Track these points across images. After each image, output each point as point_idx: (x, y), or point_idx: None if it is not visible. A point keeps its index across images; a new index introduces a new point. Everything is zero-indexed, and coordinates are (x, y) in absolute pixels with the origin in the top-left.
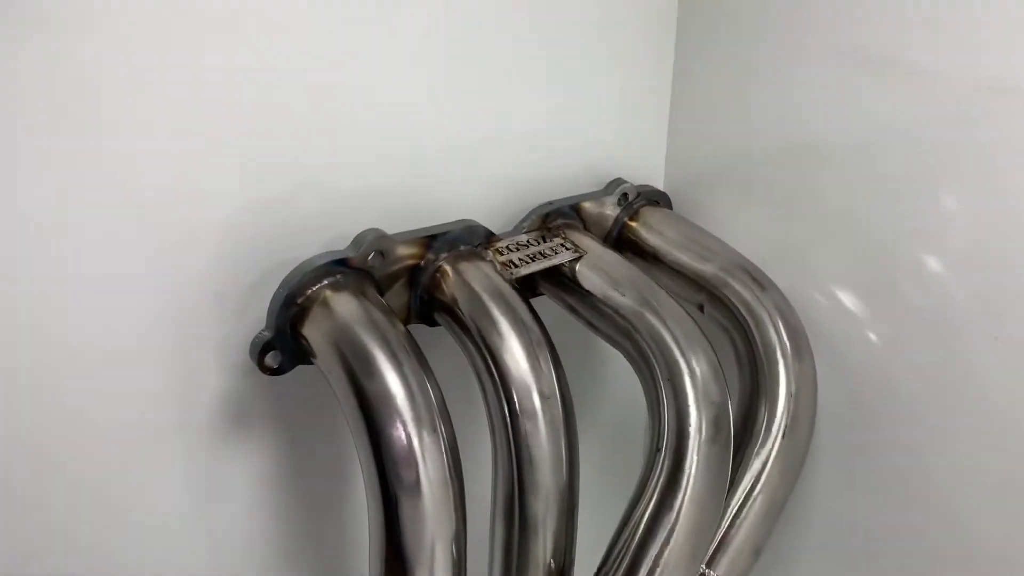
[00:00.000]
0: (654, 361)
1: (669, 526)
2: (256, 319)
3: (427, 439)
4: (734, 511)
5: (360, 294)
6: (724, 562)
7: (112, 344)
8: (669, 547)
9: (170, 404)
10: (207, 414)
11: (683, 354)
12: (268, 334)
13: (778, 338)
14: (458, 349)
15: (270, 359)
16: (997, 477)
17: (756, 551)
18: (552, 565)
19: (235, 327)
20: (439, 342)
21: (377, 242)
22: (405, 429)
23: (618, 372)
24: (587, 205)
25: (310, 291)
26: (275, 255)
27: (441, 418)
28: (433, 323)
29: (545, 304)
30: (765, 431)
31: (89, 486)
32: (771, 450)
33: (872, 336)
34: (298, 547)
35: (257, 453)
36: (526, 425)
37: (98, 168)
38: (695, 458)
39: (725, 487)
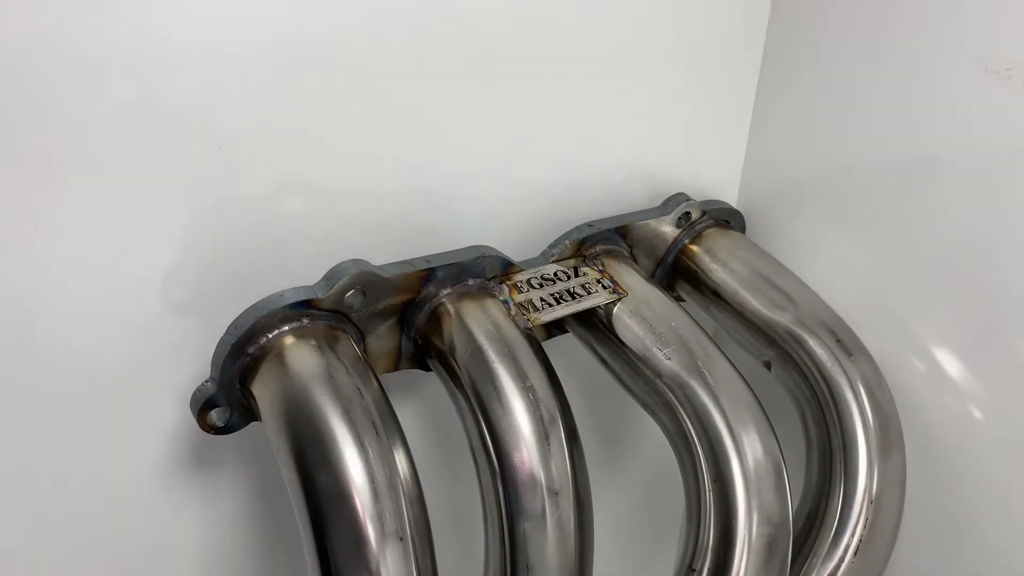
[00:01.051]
0: (699, 452)
1: None
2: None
3: (390, 553)
4: None
5: (326, 346)
6: None
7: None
8: None
9: (114, 444)
10: (157, 455)
11: (737, 448)
12: (212, 387)
13: (863, 422)
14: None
15: (215, 416)
16: None
17: None
18: None
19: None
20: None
21: (357, 278)
22: (363, 538)
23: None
24: (637, 226)
25: (264, 339)
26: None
27: (414, 523)
28: (426, 367)
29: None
30: (832, 544)
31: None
32: (838, 571)
33: (977, 414)
34: None
35: (214, 503)
36: (526, 527)
37: None
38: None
39: None
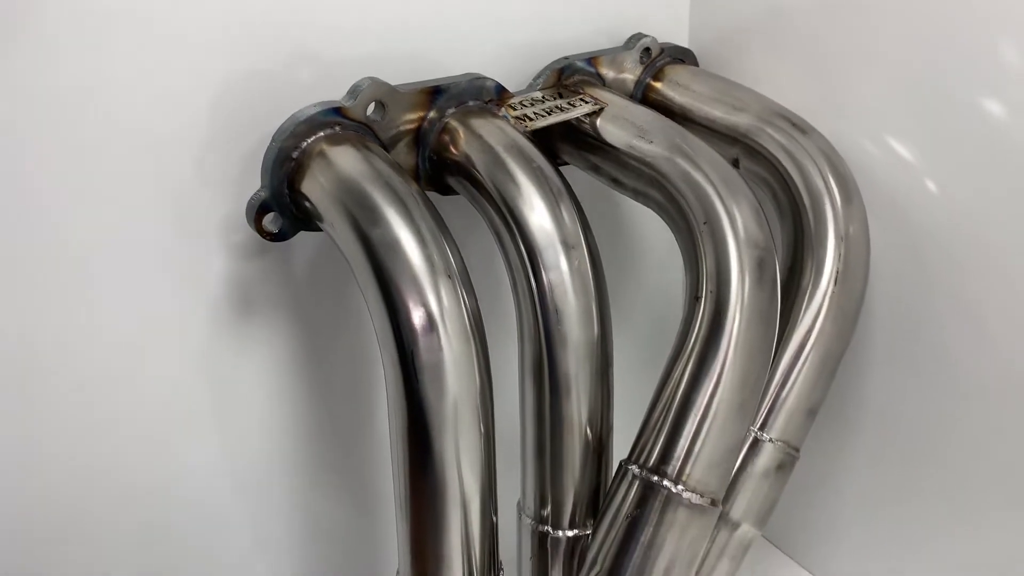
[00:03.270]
0: (688, 208)
1: (715, 376)
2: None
3: (443, 288)
4: (786, 370)
5: (361, 145)
6: (777, 424)
7: (106, 236)
8: (716, 399)
9: (173, 294)
10: (213, 302)
11: (720, 196)
12: (264, 194)
13: (824, 182)
14: (472, 228)
15: (269, 222)
16: None
17: (812, 412)
18: (589, 433)
19: (234, 206)
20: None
21: (374, 90)
22: (418, 276)
23: (651, 264)
24: (605, 62)
25: (305, 143)
26: (270, 127)
27: (458, 269)
28: (444, 190)
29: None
30: (815, 281)
31: (94, 387)
32: (823, 299)
33: (931, 185)
34: (316, 434)
35: (268, 339)
36: (551, 277)
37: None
38: (739, 302)
39: (773, 336)
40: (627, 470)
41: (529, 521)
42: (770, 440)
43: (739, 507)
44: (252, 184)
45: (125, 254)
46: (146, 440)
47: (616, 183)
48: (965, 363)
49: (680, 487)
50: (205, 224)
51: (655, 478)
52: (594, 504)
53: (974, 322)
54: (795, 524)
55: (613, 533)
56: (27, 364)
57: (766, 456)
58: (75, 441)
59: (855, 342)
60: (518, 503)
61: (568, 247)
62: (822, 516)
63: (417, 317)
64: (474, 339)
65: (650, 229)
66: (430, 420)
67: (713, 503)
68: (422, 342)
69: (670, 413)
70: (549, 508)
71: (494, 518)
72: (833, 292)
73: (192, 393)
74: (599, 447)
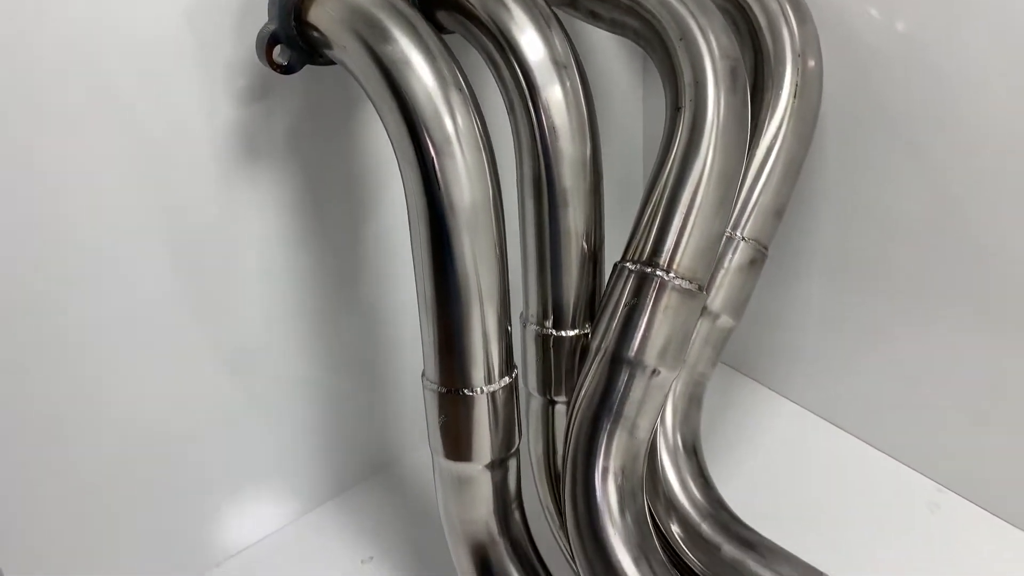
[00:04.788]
0: (664, 28)
1: (698, 173)
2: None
3: (455, 100)
4: (755, 174)
5: None
6: (750, 224)
7: (106, 79)
8: (699, 194)
9: (178, 139)
10: (218, 146)
11: (693, 15)
12: (272, 26)
13: (779, 5)
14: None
15: (278, 54)
16: (997, 161)
17: (779, 212)
18: (584, 243)
19: (235, 49)
20: None
21: None
22: (433, 89)
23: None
24: None
25: None
26: None
27: (464, 80)
28: (435, 27)
29: None
30: (776, 95)
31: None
32: (785, 110)
33: (874, 12)
34: (321, 276)
35: (274, 183)
36: (547, 95)
37: None
38: (716, 107)
39: (747, 137)
40: (622, 267)
41: (534, 327)
42: (743, 239)
43: (718, 300)
44: (255, 28)
45: (129, 101)
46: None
47: (593, 16)
48: (904, 171)
49: (672, 275)
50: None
51: (648, 269)
52: (591, 308)
53: (911, 138)
54: (757, 351)
55: (614, 322)
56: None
57: (741, 253)
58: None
59: (812, 151)
60: (521, 315)
61: (560, 67)
62: (781, 340)
63: (435, 127)
64: (485, 149)
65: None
66: (451, 223)
67: (700, 288)
68: (442, 149)
69: (659, 211)
70: (551, 313)
71: (508, 320)
72: (793, 104)
73: (196, 240)
74: (594, 255)
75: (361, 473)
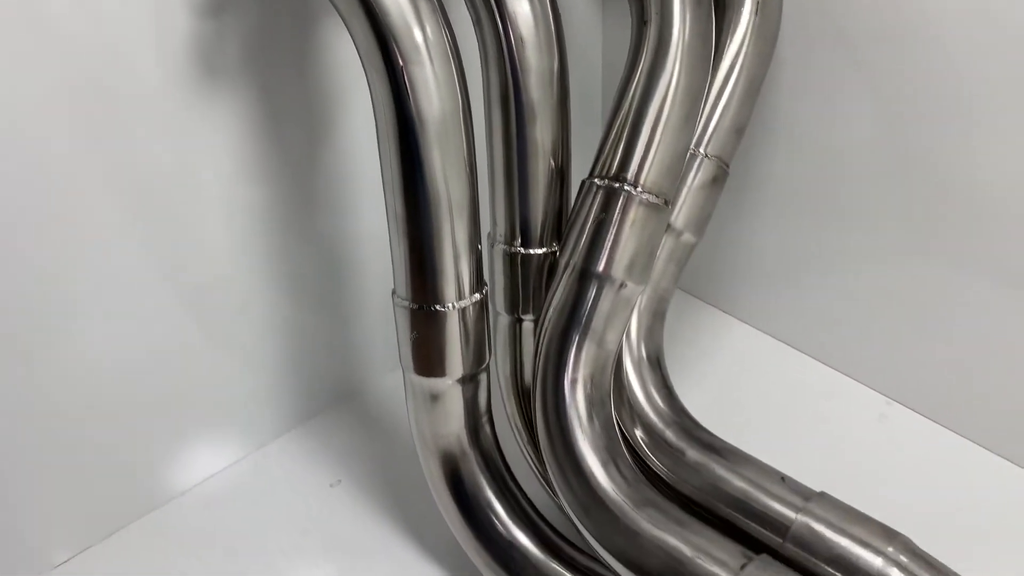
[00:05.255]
0: None
1: (664, 88)
2: None
3: (423, 5)
4: (718, 92)
5: None
6: (712, 141)
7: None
8: (666, 109)
9: (121, 64)
10: (168, 71)
11: None
12: None
13: None
14: None
15: None
16: (951, 86)
17: (740, 131)
18: (552, 159)
19: None
20: None
21: None
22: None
23: None
24: None
25: None
26: None
27: None
28: None
29: None
30: (737, 13)
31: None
32: (747, 28)
33: None
34: (281, 205)
35: (229, 110)
36: (512, 6)
37: None
38: (682, 21)
39: (711, 53)
40: (590, 183)
41: (502, 246)
42: (706, 156)
43: (681, 217)
44: None
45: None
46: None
47: None
48: (857, 94)
49: (639, 189)
50: None
51: (616, 184)
52: (558, 226)
53: (865, 60)
54: (713, 276)
55: (583, 237)
56: None
57: (704, 170)
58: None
59: (768, 74)
60: (488, 234)
61: None
62: (736, 266)
63: (404, 36)
64: (454, 60)
65: None
66: (420, 134)
67: (666, 203)
68: (411, 58)
69: (625, 127)
70: (519, 231)
71: (478, 236)
72: (755, 21)
73: (156, 162)
74: (561, 171)
75: (327, 400)
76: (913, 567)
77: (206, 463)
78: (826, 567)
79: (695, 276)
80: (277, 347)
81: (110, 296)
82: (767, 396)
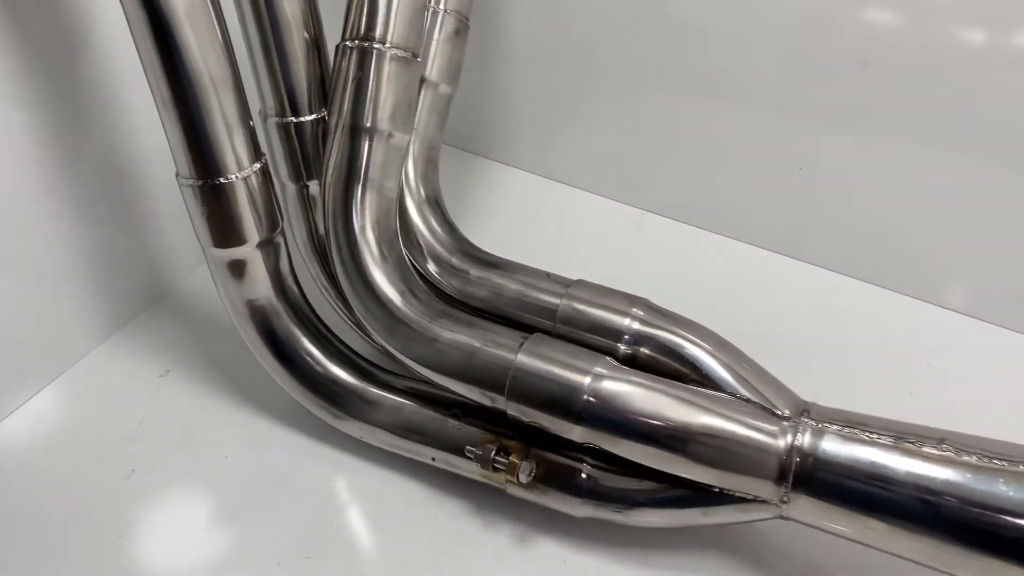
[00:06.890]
0: None
1: None
2: None
3: None
4: None
5: None
6: None
7: None
8: None
9: None
10: None
11: None
12: None
13: None
14: None
15: None
16: None
17: None
18: (306, 34)
19: None
20: None
21: None
22: None
23: None
24: None
25: None
26: None
27: None
28: None
29: None
30: None
31: None
32: None
33: None
34: (49, 128)
35: None
36: None
37: None
38: None
39: None
40: (344, 47)
41: (274, 119)
42: (446, 11)
43: (434, 70)
44: None
45: None
46: None
47: None
48: None
49: (388, 45)
50: None
51: (367, 44)
52: (322, 92)
53: None
54: (484, 130)
55: (346, 97)
56: None
57: (446, 24)
58: None
59: None
60: (260, 111)
61: None
62: (503, 118)
63: None
64: None
65: None
66: (169, 17)
67: (415, 56)
68: None
69: None
70: (287, 103)
71: (247, 109)
72: None
73: None
74: (315, 41)
75: (143, 304)
76: (649, 318)
77: (29, 379)
78: (588, 335)
79: (465, 132)
80: (74, 264)
81: None
82: (539, 224)
